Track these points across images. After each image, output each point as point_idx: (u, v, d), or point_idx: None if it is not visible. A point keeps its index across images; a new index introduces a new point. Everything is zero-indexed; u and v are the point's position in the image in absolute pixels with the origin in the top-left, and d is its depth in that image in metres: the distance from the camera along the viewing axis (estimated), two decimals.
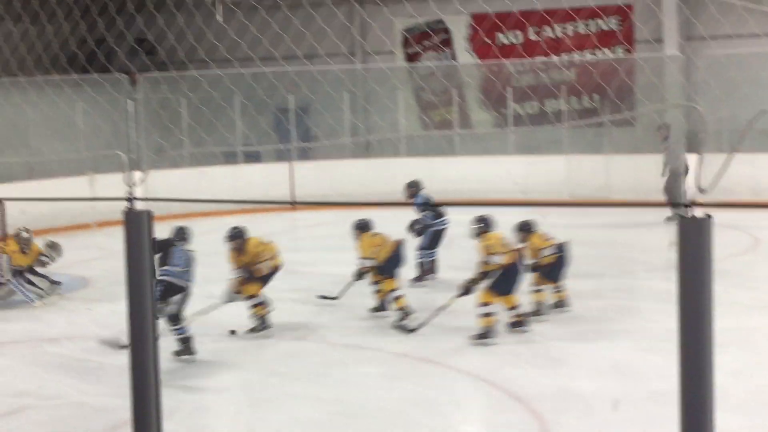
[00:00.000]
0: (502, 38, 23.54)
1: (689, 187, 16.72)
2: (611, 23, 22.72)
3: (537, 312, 10.19)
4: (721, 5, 19.27)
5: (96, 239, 16.36)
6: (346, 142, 22.45)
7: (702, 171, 3.47)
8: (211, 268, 13.25)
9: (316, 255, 14.50)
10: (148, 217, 4.19)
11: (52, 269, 12.31)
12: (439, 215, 12.25)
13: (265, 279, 10.02)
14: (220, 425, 7.56)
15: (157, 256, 9.33)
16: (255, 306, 9.94)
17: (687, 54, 19.50)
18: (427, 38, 24.52)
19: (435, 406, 7.67)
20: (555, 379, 8.20)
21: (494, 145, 21.96)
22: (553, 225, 15.33)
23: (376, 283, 10.52)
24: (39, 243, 12.10)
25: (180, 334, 9.14)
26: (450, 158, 21.45)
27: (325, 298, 11.20)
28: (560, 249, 10.39)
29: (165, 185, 17.18)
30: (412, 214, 12.41)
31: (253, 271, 9.90)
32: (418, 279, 12.17)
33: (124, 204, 4.25)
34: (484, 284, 9.39)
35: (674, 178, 16.76)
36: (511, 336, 9.57)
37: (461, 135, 22.48)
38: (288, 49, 13.93)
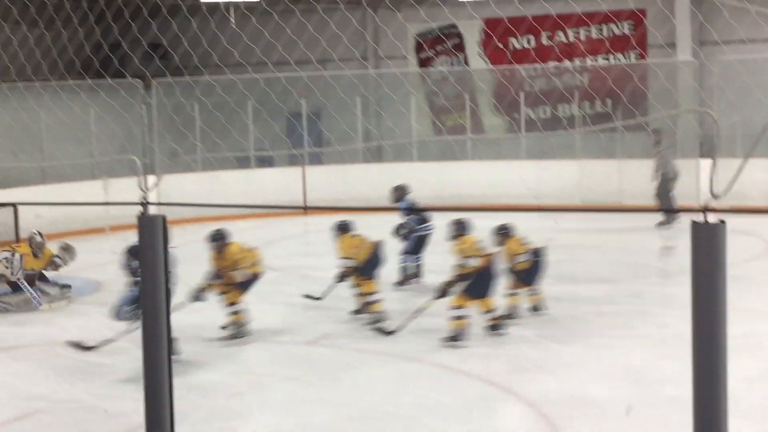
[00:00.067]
0: (515, 43, 23.54)
1: (680, 193, 16.80)
2: (624, 28, 22.70)
3: (511, 315, 10.21)
4: (735, 10, 19.23)
5: (109, 243, 16.40)
6: (359, 147, 22.47)
7: (715, 176, 3.47)
8: None
9: (328, 260, 14.43)
10: (162, 221, 4.21)
11: (65, 272, 12.35)
12: (424, 220, 12.26)
13: (244, 286, 9.97)
14: (232, 429, 7.57)
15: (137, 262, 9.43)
16: (234, 313, 9.93)
17: (700, 59, 19.46)
18: (440, 43, 24.54)
19: (447, 411, 7.66)
20: (567, 384, 8.19)
21: (507, 150, 21.94)
22: (566, 230, 15.35)
23: (357, 285, 10.58)
24: (53, 246, 12.14)
25: None
26: (462, 163, 21.44)
27: (309, 297, 11.22)
28: (536, 255, 10.40)
29: (178, 189, 17.21)
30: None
31: (225, 276, 9.88)
32: (401, 283, 12.22)
33: (138, 208, 4.27)
34: (459, 287, 9.46)
35: (665, 183, 16.79)
36: (523, 341, 9.57)
37: (474, 140, 22.48)
38: (302, 54, 13.94)
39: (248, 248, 10.11)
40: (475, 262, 9.41)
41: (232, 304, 9.92)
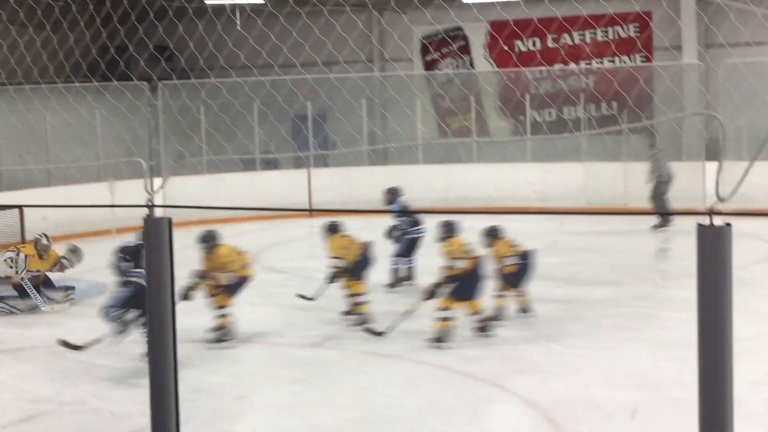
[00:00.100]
0: (520, 45, 23.53)
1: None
2: (630, 31, 22.69)
3: (497, 317, 10.22)
4: (741, 13, 19.19)
5: (115, 245, 16.40)
6: (364, 149, 22.47)
7: (721, 179, 3.47)
8: None
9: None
10: (168, 223, 4.22)
11: (70, 274, 12.36)
12: (416, 223, 12.31)
13: (232, 289, 9.95)
14: (237, 431, 7.58)
15: (127, 263, 9.47)
16: (221, 317, 9.92)
17: (706, 62, 19.44)
18: (446, 45, 24.54)
19: (453, 413, 7.67)
20: (572, 386, 8.19)
21: (512, 153, 21.94)
22: (571, 232, 15.35)
23: (347, 286, 10.63)
24: (61, 248, 12.16)
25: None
26: (468, 165, 21.43)
27: (303, 297, 11.26)
28: (524, 258, 10.41)
29: (184, 192, 17.23)
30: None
31: (210, 277, 9.89)
32: (393, 285, 12.26)
33: (144, 211, 4.28)
34: (447, 289, 9.50)
35: (659, 186, 16.84)
36: (529, 344, 9.57)
37: (479, 142, 22.47)
38: (307, 57, 13.95)
39: (238, 251, 10.09)
40: (462, 264, 9.47)
41: (220, 307, 9.91)
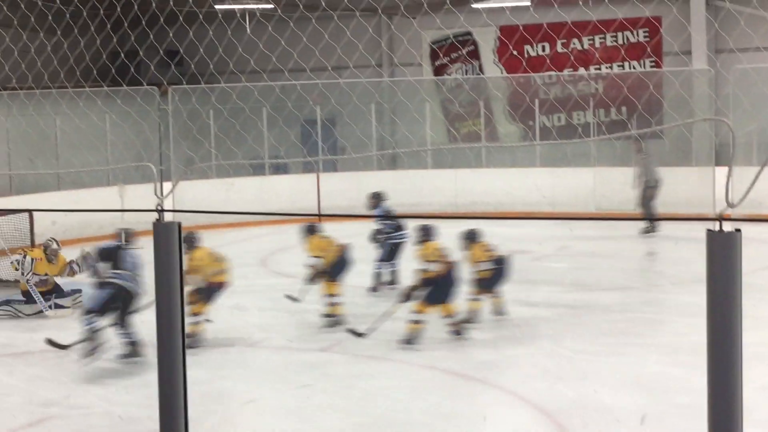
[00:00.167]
0: (529, 50, 23.52)
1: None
2: (640, 36, 22.66)
3: (470, 320, 10.28)
4: (751, 18, 19.17)
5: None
6: (373, 154, 22.49)
7: (731, 185, 3.46)
8: (238, 279, 13.32)
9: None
10: (178, 228, 4.23)
11: (81, 278, 12.39)
12: (399, 228, 12.38)
13: (207, 295, 9.94)
14: None
15: (105, 264, 9.51)
16: (192, 324, 9.91)
17: (716, 67, 19.42)
18: (455, 50, 24.55)
19: (461, 418, 7.66)
20: (581, 392, 8.17)
21: (521, 158, 21.92)
22: (580, 237, 15.35)
23: (325, 287, 10.76)
24: (70, 252, 12.19)
25: (127, 337, 9.32)
26: (477, 170, 21.43)
27: (290, 298, 11.31)
28: (499, 263, 10.50)
29: (193, 196, 17.27)
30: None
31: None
32: (375, 289, 12.36)
33: (153, 215, 4.28)
34: (423, 292, 9.64)
35: (646, 191, 16.86)
36: (538, 349, 9.56)
37: (488, 147, 22.46)
38: (317, 62, 13.98)
39: (216, 257, 10.08)
40: (435, 267, 9.59)
41: (194, 314, 9.89)
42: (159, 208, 4.29)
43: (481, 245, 10.48)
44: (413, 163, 22.47)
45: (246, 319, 11.30)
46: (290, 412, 7.97)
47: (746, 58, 18.62)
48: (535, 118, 22.04)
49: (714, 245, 3.27)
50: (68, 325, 11.16)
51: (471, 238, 10.48)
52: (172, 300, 4.24)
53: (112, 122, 19.43)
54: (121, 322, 9.32)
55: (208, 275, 9.87)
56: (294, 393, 8.48)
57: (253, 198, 19.40)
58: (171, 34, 10.13)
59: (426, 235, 9.95)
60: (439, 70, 24.79)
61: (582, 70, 22.87)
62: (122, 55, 12.63)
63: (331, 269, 10.67)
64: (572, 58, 22.86)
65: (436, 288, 9.63)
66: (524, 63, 23.35)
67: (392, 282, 12.40)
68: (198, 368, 8.82)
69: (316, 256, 10.72)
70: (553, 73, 22.82)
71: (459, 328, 9.89)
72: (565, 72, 22.80)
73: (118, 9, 11.41)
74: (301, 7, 10.99)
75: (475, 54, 24.41)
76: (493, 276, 10.43)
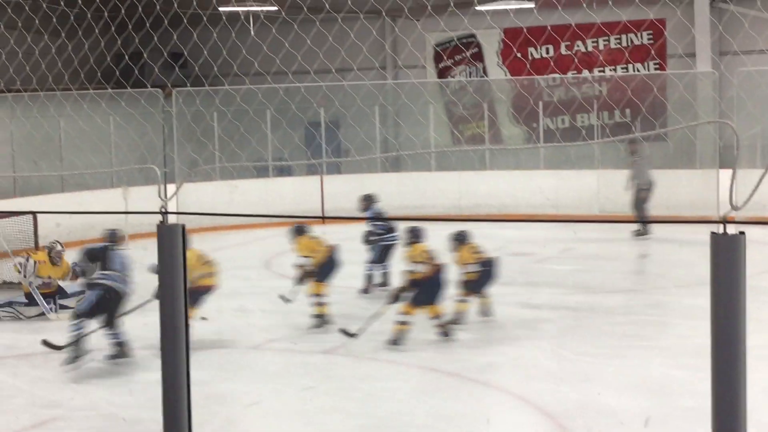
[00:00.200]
0: (533, 53, 23.52)
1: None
2: (644, 38, 22.65)
3: (456, 321, 10.34)
4: (756, 21, 19.16)
5: (128, 252, 16.46)
6: (377, 157, 22.49)
7: (735, 187, 3.46)
8: (242, 281, 13.37)
9: (345, 269, 14.51)
10: (182, 230, 4.22)
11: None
12: (390, 230, 12.43)
13: (193, 298, 9.92)
14: None
15: (93, 264, 9.53)
16: None
17: (720, 70, 19.40)
18: (459, 53, 24.54)
19: (464, 420, 7.66)
20: (584, 394, 8.17)
21: (525, 160, 21.92)
22: (584, 240, 15.34)
23: (312, 287, 10.87)
24: (75, 254, 12.19)
25: (115, 338, 9.38)
26: (481, 172, 21.43)
27: (283, 299, 11.35)
28: (486, 265, 10.56)
29: (197, 198, 17.27)
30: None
31: None
32: (366, 291, 12.47)
33: (158, 217, 4.28)
34: (410, 293, 9.77)
35: (638, 193, 16.90)
36: (541, 351, 9.55)
37: (492, 149, 22.46)
38: (321, 64, 13.98)
39: (205, 260, 10.07)
40: (422, 269, 9.70)
41: None
42: (163, 210, 4.29)
43: (469, 247, 10.56)
44: (417, 166, 22.46)
45: (249, 321, 11.31)
46: (293, 414, 7.98)
47: (750, 60, 18.60)
48: (539, 120, 22.03)
49: (718, 248, 3.26)
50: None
51: (459, 239, 10.58)
52: (176, 302, 4.23)
53: (116, 124, 19.45)
54: (110, 323, 9.36)
55: (195, 278, 9.87)
56: (297, 395, 8.49)
57: (256, 200, 19.42)
58: (175, 36, 10.13)
59: (414, 237, 10.06)
60: (442, 73, 24.79)
61: (586, 73, 22.85)
62: (126, 57, 12.67)
63: (320, 270, 10.80)
64: (576, 60, 22.85)
65: (423, 289, 9.75)
66: (528, 65, 23.34)
67: (384, 283, 12.45)
68: (201, 370, 8.82)
69: (305, 257, 10.84)
70: (557, 75, 22.81)
71: (446, 329, 9.98)
72: (569, 74, 22.79)
73: (123, 11, 11.41)
74: (305, 9, 11.01)
75: (479, 56, 24.40)
76: (479, 278, 10.51)
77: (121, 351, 9.36)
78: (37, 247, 13.87)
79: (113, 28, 12.43)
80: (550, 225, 17.21)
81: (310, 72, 15.73)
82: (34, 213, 14.46)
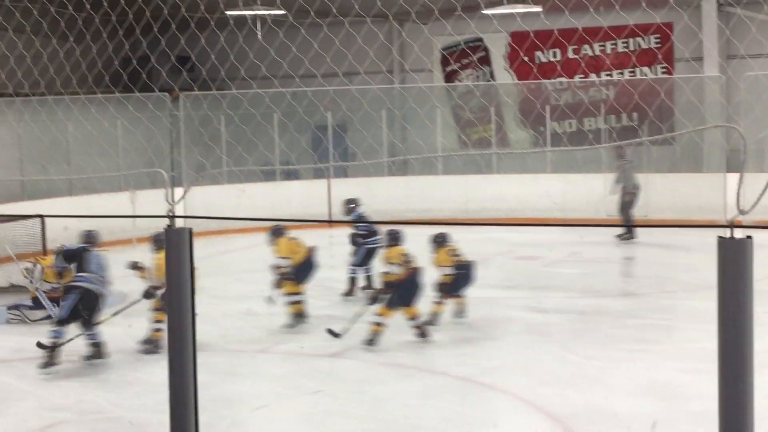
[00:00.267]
0: (540, 57, 23.52)
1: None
2: (651, 42, 22.64)
3: (430, 322, 10.39)
4: (763, 25, 19.14)
5: (136, 255, 16.48)
6: (384, 161, 22.50)
7: (742, 191, 3.46)
8: (249, 285, 13.37)
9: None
10: (189, 234, 4.24)
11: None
12: (374, 233, 12.49)
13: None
14: None
15: (72, 264, 9.56)
16: (156, 330, 9.93)
17: (727, 74, 19.38)
18: (466, 57, 24.56)
19: (471, 424, 7.65)
20: (591, 398, 8.16)
21: (532, 164, 21.92)
22: (591, 243, 15.29)
23: (288, 287, 10.99)
24: None
25: (92, 339, 9.45)
26: (488, 176, 21.44)
27: (268, 300, 11.34)
28: (462, 268, 10.64)
29: (204, 202, 17.30)
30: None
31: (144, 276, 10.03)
32: (350, 293, 12.56)
33: (165, 221, 4.30)
34: (388, 294, 9.89)
35: (625, 197, 16.91)
36: (548, 355, 9.55)
37: (499, 153, 22.45)
38: (328, 68, 14.01)
39: None
40: (397, 270, 9.80)
41: (156, 321, 9.92)
42: (170, 214, 4.31)
43: (447, 250, 10.67)
44: (424, 170, 22.47)
45: (256, 324, 11.32)
46: (301, 418, 7.98)
47: (758, 64, 18.58)
48: (546, 124, 22.03)
49: (725, 252, 3.26)
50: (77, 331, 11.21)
51: (438, 242, 10.70)
52: (183, 305, 4.25)
53: (123, 128, 19.50)
54: (87, 324, 9.40)
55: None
56: (304, 398, 8.48)
57: (264, 204, 19.44)
58: (183, 41, 10.17)
59: (393, 239, 10.18)
60: (449, 77, 24.80)
61: (593, 77, 22.86)
62: (134, 61, 12.68)
63: (298, 270, 10.95)
64: (583, 64, 22.85)
65: (399, 291, 9.86)
66: (535, 69, 23.35)
67: (368, 286, 12.53)
68: (209, 373, 8.83)
69: (284, 257, 10.96)
70: (564, 79, 22.81)
71: (423, 330, 10.06)
72: (576, 78, 22.79)
73: (130, 15, 11.45)
74: (312, 13, 11.03)
75: (486, 60, 24.41)
76: (455, 281, 10.61)
77: (97, 352, 9.46)
78: (45, 250, 13.88)
79: (121, 32, 12.47)
80: (557, 228, 17.20)
81: (317, 76, 15.76)
82: (42, 216, 14.48)
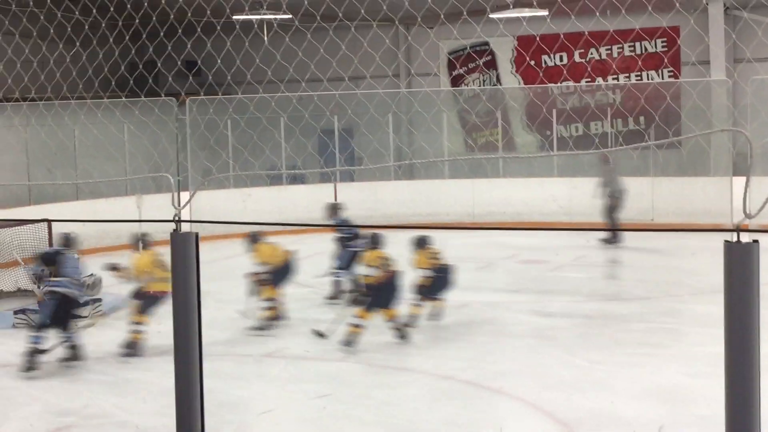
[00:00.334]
0: (547, 61, 23.52)
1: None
2: (657, 46, 22.62)
3: (408, 324, 10.45)
4: None
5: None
6: (390, 165, 22.52)
7: (749, 195, 3.46)
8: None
9: None
10: (195, 238, 4.24)
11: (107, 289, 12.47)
12: (357, 237, 12.58)
13: (145, 305, 9.96)
14: None
15: (48, 268, 9.59)
16: (134, 332, 9.93)
17: (734, 78, 19.36)
18: (472, 60, 24.57)
19: (477, 428, 7.65)
20: (598, 402, 8.15)
21: (538, 168, 21.91)
22: (597, 247, 15.28)
23: (265, 291, 11.13)
24: (96, 262, 12.25)
25: (68, 341, 9.51)
26: (494, 180, 21.42)
27: (243, 313, 11.45)
28: (440, 271, 10.74)
29: (211, 206, 17.32)
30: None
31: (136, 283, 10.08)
32: (334, 297, 12.61)
33: (171, 225, 4.30)
34: (367, 297, 10.02)
35: (611, 201, 16.91)
36: (554, 359, 9.53)
37: (505, 157, 22.45)
38: (334, 72, 14.04)
39: (161, 262, 10.00)
40: (375, 273, 9.92)
41: (135, 322, 9.92)
42: (177, 218, 4.31)
43: (427, 252, 10.76)
44: (430, 174, 22.48)
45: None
46: (307, 422, 7.98)
47: (764, 68, 18.57)
48: (552, 128, 22.02)
49: (732, 256, 3.26)
50: (88, 335, 11.21)
51: (418, 244, 10.80)
52: (189, 310, 4.25)
53: (130, 132, 19.53)
54: (63, 327, 9.44)
55: (146, 281, 9.91)
56: (310, 402, 8.48)
57: (270, 208, 19.46)
58: (189, 45, 10.18)
59: (373, 243, 10.30)
60: (456, 81, 24.81)
61: (599, 80, 22.84)
62: (140, 65, 12.70)
63: (276, 274, 11.08)
64: (589, 68, 22.84)
65: (377, 294, 9.96)
66: (541, 73, 23.35)
67: (352, 290, 12.59)
68: (215, 378, 8.84)
69: (263, 263, 11.09)
70: (570, 83, 22.81)
71: (402, 332, 10.17)
72: (583, 82, 22.77)
73: (137, 20, 11.49)
74: (318, 17, 11.03)
75: (492, 64, 24.42)
76: (433, 284, 10.71)
77: (74, 354, 9.51)
78: None
79: (127, 37, 12.50)
80: (564, 233, 17.19)
81: (323, 80, 15.78)
82: (48, 221, 14.50)
